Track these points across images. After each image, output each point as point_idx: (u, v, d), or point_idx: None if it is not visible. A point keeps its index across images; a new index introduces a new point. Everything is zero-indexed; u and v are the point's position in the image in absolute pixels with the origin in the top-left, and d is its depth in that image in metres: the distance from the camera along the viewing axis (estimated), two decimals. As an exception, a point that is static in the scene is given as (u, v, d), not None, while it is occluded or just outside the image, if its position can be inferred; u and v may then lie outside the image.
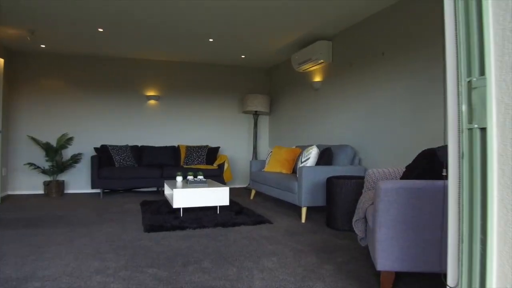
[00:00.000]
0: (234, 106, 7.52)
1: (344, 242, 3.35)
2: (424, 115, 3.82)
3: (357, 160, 4.61)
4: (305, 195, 4.18)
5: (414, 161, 2.46)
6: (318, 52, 5.36)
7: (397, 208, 2.26)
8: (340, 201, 3.79)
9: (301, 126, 6.37)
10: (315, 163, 4.59)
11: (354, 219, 2.99)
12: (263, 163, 5.89)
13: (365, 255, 2.98)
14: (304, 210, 4.22)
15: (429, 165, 2.31)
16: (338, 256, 2.96)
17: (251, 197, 5.89)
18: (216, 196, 4.42)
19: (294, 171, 5.46)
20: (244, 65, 7.53)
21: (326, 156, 4.46)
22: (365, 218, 2.77)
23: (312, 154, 4.57)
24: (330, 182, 3.90)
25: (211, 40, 5.72)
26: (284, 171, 5.35)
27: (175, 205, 4.24)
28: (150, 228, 3.75)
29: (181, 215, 4.32)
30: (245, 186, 7.47)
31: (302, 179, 4.18)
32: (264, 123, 7.75)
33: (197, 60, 7.11)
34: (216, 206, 4.60)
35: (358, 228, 2.98)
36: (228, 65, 7.47)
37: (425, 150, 2.43)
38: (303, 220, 4.21)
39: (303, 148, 5.47)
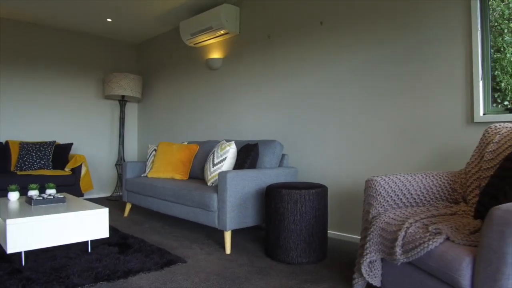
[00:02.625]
0: (93, 88, 5.43)
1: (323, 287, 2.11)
2: (380, 101, 2.89)
3: (286, 161, 3.43)
4: (231, 213, 2.78)
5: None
6: (222, 19, 3.97)
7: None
8: (294, 222, 2.53)
9: (191, 117, 4.87)
10: (233, 165, 3.22)
11: (366, 259, 1.78)
12: (142, 165, 4.19)
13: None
14: (228, 236, 2.82)
15: None
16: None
17: (126, 213, 4.12)
18: (87, 225, 2.61)
19: (190, 176, 3.96)
20: (111, 36, 5.53)
21: (252, 156, 3.14)
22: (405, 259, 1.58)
23: (230, 153, 3.19)
24: (276, 194, 2.60)
25: (64, -16, 3.73)
26: (178, 176, 3.80)
27: (10, 249, 2.29)
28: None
29: (23, 265, 2.39)
30: (107, 195, 5.51)
31: (226, 190, 2.76)
32: (134, 112, 5.88)
33: (40, 19, 4.83)
34: (87, 241, 2.76)
35: (373, 273, 1.78)
36: (88, 32, 5.35)
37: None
38: (227, 251, 2.80)
39: (205, 145, 4.00)
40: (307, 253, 2.53)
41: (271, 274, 2.33)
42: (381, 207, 1.85)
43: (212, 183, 3.18)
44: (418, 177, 1.93)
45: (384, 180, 1.88)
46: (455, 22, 2.57)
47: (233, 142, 3.23)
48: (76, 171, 4.42)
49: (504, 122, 2.40)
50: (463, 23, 2.53)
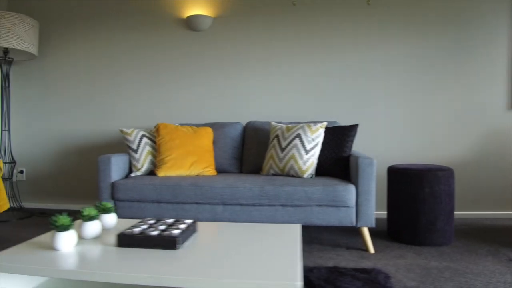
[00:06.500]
0: None
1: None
2: (432, 88, 3.11)
3: (341, 143, 3.08)
4: (374, 205, 2.35)
5: None
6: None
7: None
8: (449, 203, 2.40)
9: (155, 94, 3.42)
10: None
11: None
12: (125, 160, 2.70)
13: None
14: (367, 233, 2.35)
15: None
16: None
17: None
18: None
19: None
20: None
21: (351, 140, 2.65)
22: None
23: (321, 137, 2.60)
24: (430, 177, 2.35)
25: None
26: (208, 171, 2.71)
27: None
28: None
29: None
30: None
31: (373, 179, 2.28)
32: (19, 77, 3.45)
33: None
34: None
35: None
36: None
37: None
38: (371, 250, 2.34)
39: (226, 127, 2.97)
40: (454, 232, 2.49)
41: (469, 259, 2.17)
42: None
43: (311, 174, 2.51)
44: None
45: None
46: (500, 28, 3.08)
47: (325, 122, 2.64)
48: (-15, 178, 2.34)
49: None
50: (506, 29, 3.07)
